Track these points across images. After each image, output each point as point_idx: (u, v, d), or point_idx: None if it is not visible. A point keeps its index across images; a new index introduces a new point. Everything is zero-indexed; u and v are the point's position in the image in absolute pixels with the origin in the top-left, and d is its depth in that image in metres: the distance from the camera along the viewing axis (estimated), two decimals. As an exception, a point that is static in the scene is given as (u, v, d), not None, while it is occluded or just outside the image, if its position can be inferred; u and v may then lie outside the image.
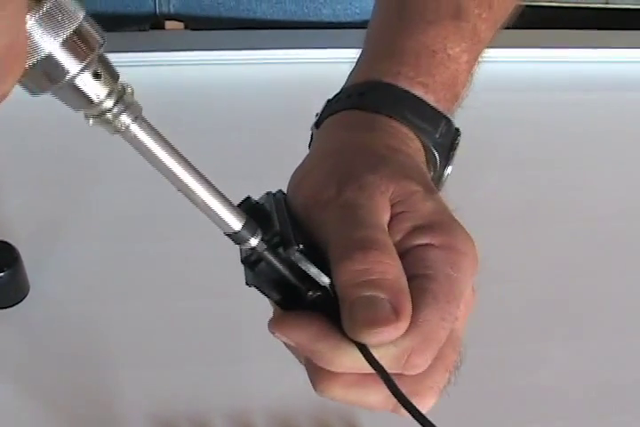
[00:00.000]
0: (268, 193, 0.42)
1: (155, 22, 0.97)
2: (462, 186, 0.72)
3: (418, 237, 0.39)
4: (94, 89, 0.32)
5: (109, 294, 0.67)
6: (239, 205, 0.39)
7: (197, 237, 0.69)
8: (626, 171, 0.83)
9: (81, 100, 0.32)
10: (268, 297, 0.40)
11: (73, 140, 0.73)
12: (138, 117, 0.34)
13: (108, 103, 0.33)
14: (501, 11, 0.52)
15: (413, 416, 0.36)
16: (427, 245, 0.39)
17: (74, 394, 0.60)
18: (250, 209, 0.39)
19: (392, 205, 0.40)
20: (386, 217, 0.40)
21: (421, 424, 0.36)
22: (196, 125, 0.83)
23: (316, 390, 0.39)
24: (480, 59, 0.52)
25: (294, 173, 0.44)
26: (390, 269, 0.37)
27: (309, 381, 0.40)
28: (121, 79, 0.33)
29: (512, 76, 0.89)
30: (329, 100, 0.49)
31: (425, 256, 0.39)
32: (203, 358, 0.63)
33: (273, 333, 0.39)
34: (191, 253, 0.69)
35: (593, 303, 0.70)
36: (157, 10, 0.93)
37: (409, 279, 0.38)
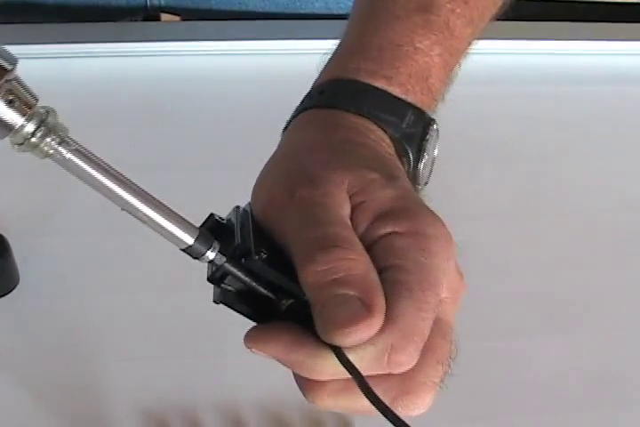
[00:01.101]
0: (235, 207, 0.41)
1: (148, 15, 0.96)
2: (454, 179, 0.73)
3: (381, 227, 0.38)
4: (10, 116, 0.32)
5: (99, 286, 0.66)
6: (203, 223, 0.39)
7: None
8: (620, 164, 0.84)
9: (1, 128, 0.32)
10: (240, 313, 0.39)
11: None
12: (64, 140, 0.34)
13: (30, 128, 0.33)
14: (479, 8, 0.52)
15: (391, 421, 0.34)
16: (392, 233, 0.37)
17: (62, 386, 0.60)
18: (214, 226, 0.39)
19: (350, 197, 0.39)
20: (345, 211, 0.38)
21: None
22: (188, 116, 0.82)
23: (308, 401, 0.38)
24: (462, 55, 0.51)
25: (255, 182, 0.43)
26: (356, 264, 0.36)
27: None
28: (41, 102, 0.33)
29: (504, 68, 0.89)
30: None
31: (392, 246, 0.37)
32: (193, 350, 0.63)
33: (249, 348, 0.38)
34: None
35: (585, 297, 0.70)
36: (148, 2, 0.92)
37: (379, 272, 0.36)
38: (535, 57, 0.92)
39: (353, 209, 0.39)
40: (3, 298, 0.64)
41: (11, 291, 0.64)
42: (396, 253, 0.37)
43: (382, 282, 0.36)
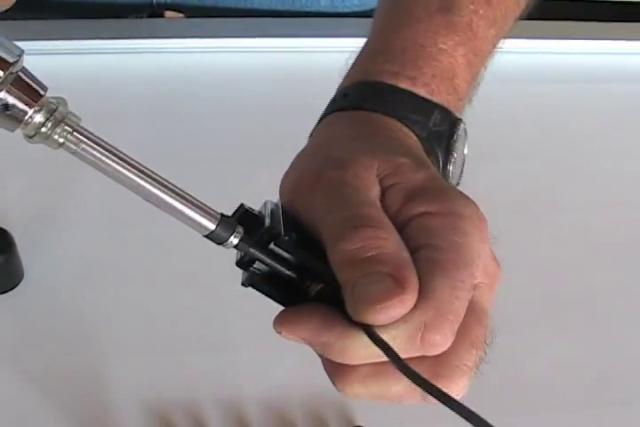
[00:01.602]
0: (265, 201, 0.41)
1: (153, 12, 0.96)
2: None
3: (414, 207, 0.37)
4: (17, 107, 0.32)
5: (103, 280, 0.66)
6: (234, 213, 0.39)
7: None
8: (626, 163, 0.83)
9: (7, 120, 0.33)
10: (268, 296, 0.38)
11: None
12: (76, 129, 0.34)
13: (39, 118, 0.33)
14: (502, 9, 0.51)
15: (434, 396, 0.32)
16: (424, 213, 0.37)
17: (66, 380, 0.60)
18: (243, 215, 0.39)
19: (381, 180, 0.38)
20: (375, 192, 0.38)
21: (447, 405, 0.32)
22: (193, 112, 0.82)
23: (337, 389, 0.37)
24: (486, 57, 0.51)
25: (283, 175, 0.43)
26: (388, 243, 0.35)
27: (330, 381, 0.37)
28: (50, 92, 0.33)
29: (510, 67, 0.89)
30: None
31: (424, 225, 0.36)
32: (196, 347, 0.63)
33: (279, 332, 0.37)
34: (186, 240, 0.69)
35: (585, 296, 0.70)
36: (154, 0, 0.92)
37: (412, 252, 0.35)
38: (542, 56, 0.93)
39: (384, 192, 0.38)
40: (7, 293, 0.64)
41: (16, 286, 0.64)
42: (430, 233, 0.36)
43: (415, 261, 0.35)
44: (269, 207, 0.40)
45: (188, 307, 0.65)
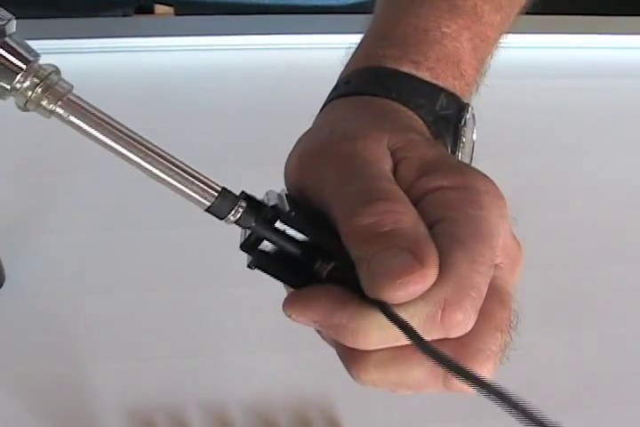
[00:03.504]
0: (267, 192, 0.39)
1: (142, 7, 0.96)
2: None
3: (428, 182, 0.35)
4: (4, 72, 0.32)
5: (86, 285, 0.66)
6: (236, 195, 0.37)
7: (176, 228, 0.69)
8: (628, 158, 0.83)
9: None
10: (276, 277, 0.36)
11: (50, 130, 0.72)
12: (67, 97, 0.33)
13: (28, 84, 0.32)
14: None
15: (461, 377, 0.29)
16: (440, 187, 0.35)
17: (48, 387, 0.59)
18: (245, 199, 0.37)
19: (392, 153, 0.37)
20: (387, 165, 0.36)
21: (476, 386, 0.29)
22: (183, 111, 0.82)
23: (353, 378, 0.34)
24: (493, 44, 0.49)
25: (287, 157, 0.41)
26: (404, 217, 0.33)
27: (346, 371, 0.35)
28: (43, 60, 0.33)
29: (513, 61, 0.88)
30: None
31: (440, 200, 0.35)
32: (180, 350, 0.62)
33: (289, 315, 0.35)
34: (168, 244, 0.69)
35: (575, 296, 0.69)
36: None
37: (429, 227, 0.34)
38: (544, 50, 0.92)
39: (396, 165, 0.36)
40: (-12, 298, 0.63)
41: (-4, 291, 0.64)
42: (446, 207, 0.34)
43: (432, 236, 0.33)
44: (272, 196, 0.38)
45: (172, 311, 0.65)
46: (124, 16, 0.95)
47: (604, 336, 0.67)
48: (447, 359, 0.30)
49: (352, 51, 0.48)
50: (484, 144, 0.79)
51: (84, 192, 0.72)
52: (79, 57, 0.84)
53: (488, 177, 0.36)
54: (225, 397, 0.60)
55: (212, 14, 0.91)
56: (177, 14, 0.98)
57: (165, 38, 0.87)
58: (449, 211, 0.34)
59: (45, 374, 0.60)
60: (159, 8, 0.99)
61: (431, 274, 0.32)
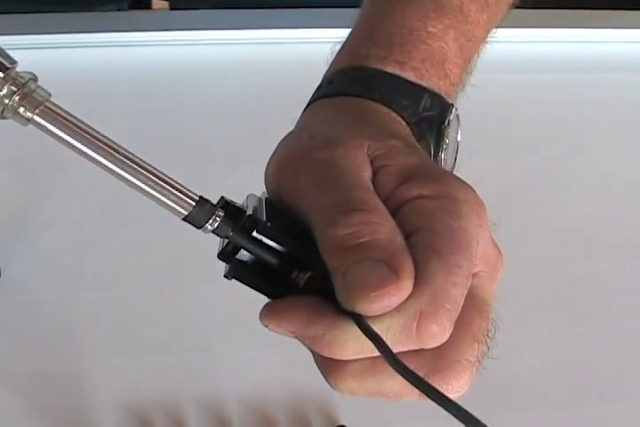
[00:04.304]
0: (248, 196, 0.39)
1: (137, 1, 0.95)
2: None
3: (407, 190, 0.35)
4: None
5: (82, 280, 0.66)
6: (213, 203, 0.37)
7: (171, 223, 0.69)
8: (630, 153, 0.83)
9: None
10: (253, 288, 0.36)
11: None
12: (44, 105, 0.33)
13: (5, 91, 0.32)
14: None
15: (427, 395, 0.30)
16: (418, 197, 0.35)
17: (44, 381, 0.59)
18: (224, 207, 0.36)
19: (372, 160, 0.36)
20: (366, 173, 0.36)
21: (442, 406, 0.30)
22: (178, 106, 0.82)
23: (331, 387, 0.34)
24: (479, 43, 0.49)
25: (268, 161, 0.41)
26: (381, 228, 0.33)
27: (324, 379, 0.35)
28: (20, 68, 0.32)
29: (509, 56, 0.88)
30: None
31: (418, 209, 0.34)
32: (177, 346, 0.62)
33: (266, 325, 0.35)
34: (164, 239, 0.68)
35: (573, 293, 0.69)
36: None
37: (405, 237, 0.33)
38: (540, 45, 0.92)
39: (375, 173, 0.36)
40: (-17, 293, 0.63)
41: (-9, 286, 0.64)
42: (423, 217, 0.34)
43: (409, 247, 0.33)
44: (252, 201, 0.38)
45: (169, 306, 0.65)
46: (119, 10, 0.94)
47: (604, 332, 0.67)
48: (415, 376, 0.30)
49: (337, 49, 0.48)
50: (486, 139, 0.80)
51: (81, 187, 0.72)
52: (74, 51, 0.84)
53: (467, 185, 0.36)
54: (222, 393, 0.60)
55: (208, 8, 0.90)
56: (172, 8, 0.98)
57: (161, 33, 0.86)
58: (427, 221, 0.34)
59: (42, 370, 0.60)
60: (155, 2, 0.98)
61: (406, 287, 0.32)
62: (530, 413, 0.61)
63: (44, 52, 0.83)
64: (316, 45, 0.83)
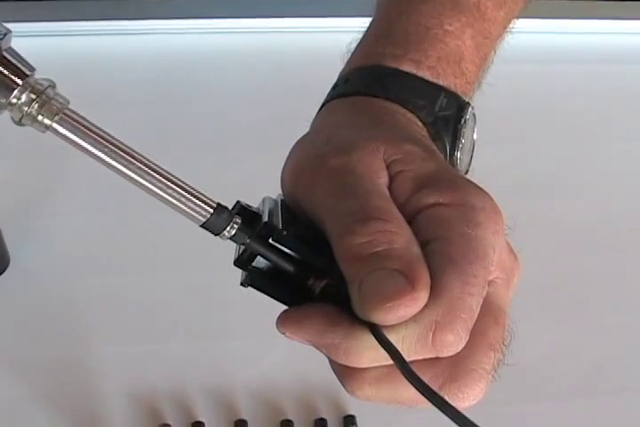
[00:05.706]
0: (264, 198, 0.39)
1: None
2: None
3: (423, 197, 0.35)
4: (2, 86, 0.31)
5: (90, 267, 0.66)
6: (230, 210, 0.37)
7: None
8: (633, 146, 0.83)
9: None
10: (270, 295, 0.36)
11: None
12: (63, 112, 0.32)
13: (24, 99, 0.32)
14: None
15: (438, 407, 0.30)
16: (435, 204, 0.35)
17: (52, 368, 0.59)
18: (239, 212, 0.36)
19: (388, 166, 0.36)
20: (383, 179, 0.36)
21: (452, 419, 0.30)
22: (189, 94, 0.82)
23: (348, 393, 0.35)
24: (496, 40, 0.49)
25: (284, 164, 0.41)
26: (397, 237, 0.33)
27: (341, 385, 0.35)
28: (38, 75, 0.32)
29: (523, 47, 0.88)
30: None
31: (434, 217, 0.34)
32: (185, 334, 0.62)
33: (283, 333, 0.35)
34: (174, 227, 0.68)
35: (582, 284, 0.69)
36: None
37: (422, 246, 0.33)
38: (547, 36, 0.92)
39: (391, 179, 0.36)
40: (-7, 280, 0.64)
41: (1, 273, 0.64)
42: (440, 225, 0.34)
43: (425, 255, 0.33)
44: (268, 204, 0.38)
45: (177, 294, 0.65)
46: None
47: (612, 324, 0.66)
48: (428, 389, 0.30)
49: (353, 46, 0.48)
50: (503, 128, 0.79)
51: (87, 175, 0.71)
52: (85, 39, 0.84)
53: (484, 191, 0.36)
54: (231, 381, 0.60)
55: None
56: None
57: (171, 21, 0.87)
58: (443, 229, 0.34)
59: (50, 357, 0.60)
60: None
61: (422, 297, 0.32)
62: (538, 404, 0.61)
63: (53, 40, 0.83)
64: (329, 35, 0.83)
